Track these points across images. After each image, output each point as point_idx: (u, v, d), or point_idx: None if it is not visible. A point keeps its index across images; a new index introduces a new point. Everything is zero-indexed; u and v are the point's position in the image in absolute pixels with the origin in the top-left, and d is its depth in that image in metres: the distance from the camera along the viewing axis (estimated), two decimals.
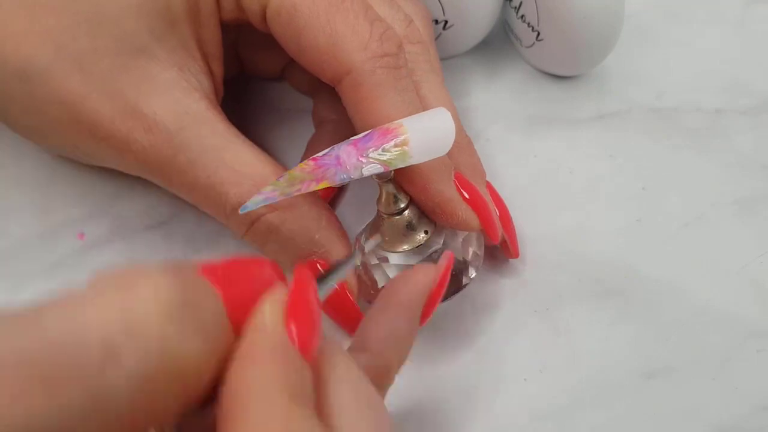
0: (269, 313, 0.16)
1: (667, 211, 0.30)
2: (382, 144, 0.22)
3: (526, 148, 0.32)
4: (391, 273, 0.25)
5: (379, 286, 0.25)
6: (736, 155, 0.32)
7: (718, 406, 0.26)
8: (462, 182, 0.25)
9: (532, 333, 0.28)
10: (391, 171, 0.23)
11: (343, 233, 0.26)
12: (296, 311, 0.17)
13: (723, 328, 0.28)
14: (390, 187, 0.24)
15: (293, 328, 0.16)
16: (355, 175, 0.22)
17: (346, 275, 0.24)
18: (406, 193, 0.25)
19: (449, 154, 0.25)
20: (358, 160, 0.22)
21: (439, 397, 0.27)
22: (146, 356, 0.14)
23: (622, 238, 0.29)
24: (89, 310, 0.14)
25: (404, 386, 0.27)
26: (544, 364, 0.27)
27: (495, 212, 0.26)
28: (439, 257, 0.25)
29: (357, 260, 0.25)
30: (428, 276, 0.22)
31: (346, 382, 0.17)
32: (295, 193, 0.22)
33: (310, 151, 0.30)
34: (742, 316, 0.28)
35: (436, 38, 0.32)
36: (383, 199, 0.25)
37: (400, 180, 0.24)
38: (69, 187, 0.30)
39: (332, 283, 0.21)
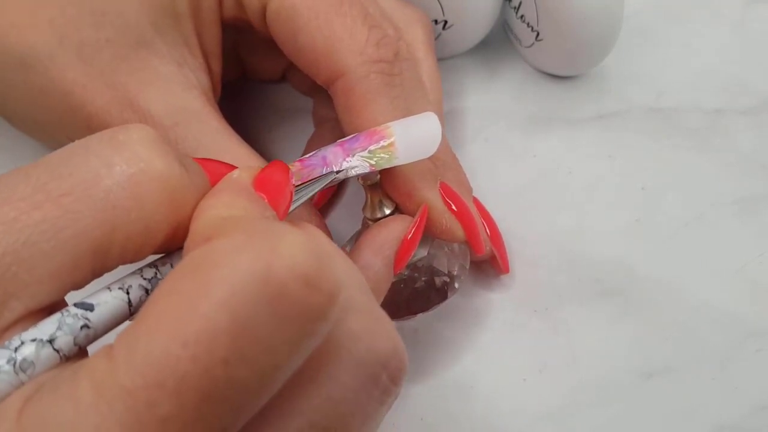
0: (239, 171, 0.19)
1: (667, 211, 0.30)
2: (369, 145, 0.22)
3: (525, 148, 0.32)
4: None
5: None
6: (736, 155, 0.32)
7: (718, 406, 0.26)
8: (448, 193, 0.25)
9: (532, 333, 0.28)
10: (377, 173, 0.23)
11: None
12: (266, 181, 0.18)
13: (722, 328, 0.28)
14: (376, 193, 0.24)
15: (262, 194, 0.18)
16: (341, 175, 0.22)
17: (322, 188, 0.24)
18: (392, 200, 0.25)
19: (435, 168, 0.25)
20: (345, 160, 0.22)
21: (439, 396, 0.27)
22: (135, 165, 0.16)
23: (622, 238, 0.29)
24: (88, 141, 0.17)
25: (404, 386, 0.27)
26: (543, 364, 0.27)
27: (481, 225, 0.26)
28: (423, 266, 0.25)
29: (333, 177, 0.24)
30: (403, 224, 0.23)
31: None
32: None
33: (310, 150, 0.30)
34: (742, 316, 0.28)
35: (436, 38, 0.32)
36: (368, 205, 0.25)
37: (385, 186, 0.24)
38: None
39: (309, 192, 0.22)
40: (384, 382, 0.18)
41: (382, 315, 0.18)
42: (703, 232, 0.30)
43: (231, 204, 0.17)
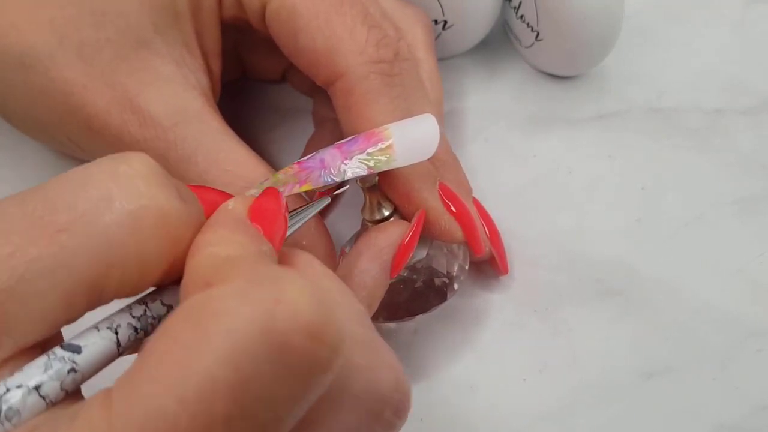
0: (234, 201, 0.18)
1: (667, 211, 0.30)
2: (367, 147, 0.22)
3: (525, 148, 0.32)
4: None
5: None
6: (736, 155, 0.32)
7: (718, 406, 0.26)
8: (447, 194, 0.25)
9: (532, 333, 0.28)
10: (375, 175, 0.23)
11: (329, 241, 0.26)
12: (260, 211, 0.18)
13: (723, 328, 0.28)
14: (374, 195, 0.24)
15: (257, 225, 0.18)
16: (338, 178, 0.22)
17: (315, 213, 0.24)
18: (390, 201, 0.25)
19: (435, 168, 0.25)
20: (343, 162, 0.22)
21: (439, 397, 0.27)
22: (135, 201, 0.16)
23: (622, 238, 0.29)
24: (87, 170, 0.16)
25: None
26: (544, 364, 0.27)
27: (480, 226, 0.26)
28: (422, 267, 0.25)
29: (326, 202, 0.24)
30: (400, 228, 0.23)
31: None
32: None
33: (310, 150, 0.30)
34: (742, 316, 0.28)
35: (436, 38, 0.32)
36: (367, 207, 0.25)
37: (384, 187, 0.24)
38: None
39: (303, 218, 0.22)
40: (387, 416, 0.17)
41: (383, 346, 0.18)
42: (703, 232, 0.30)
43: (228, 239, 0.17)
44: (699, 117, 0.33)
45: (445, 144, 0.27)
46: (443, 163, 0.26)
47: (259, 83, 0.33)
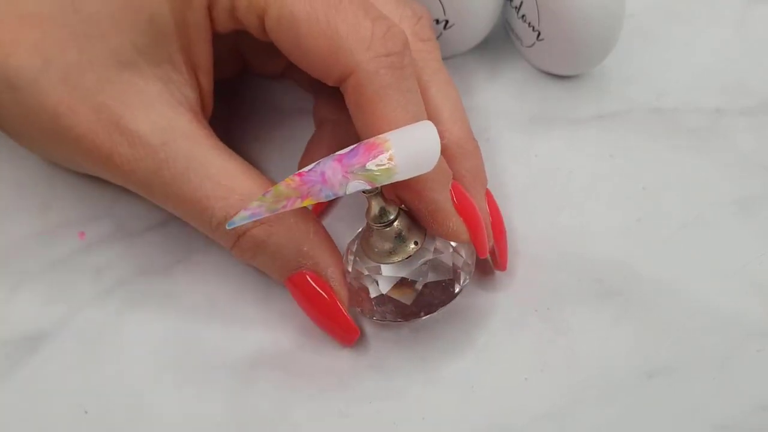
0: None
1: (667, 211, 0.30)
2: (367, 160, 0.22)
3: (526, 148, 0.32)
4: (382, 283, 0.25)
5: (371, 296, 0.25)
6: (736, 155, 0.32)
7: (718, 406, 0.26)
8: (458, 193, 0.25)
9: (532, 333, 0.28)
10: (378, 186, 0.23)
11: (331, 243, 0.26)
12: None
13: (723, 328, 0.28)
14: (378, 200, 0.24)
15: None
16: (340, 192, 0.22)
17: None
18: (395, 204, 0.25)
19: (453, 158, 0.24)
20: (343, 177, 0.22)
21: (440, 396, 0.27)
22: None
23: (622, 238, 0.29)
24: None
25: (404, 386, 0.27)
26: (544, 363, 0.27)
27: (487, 226, 0.26)
28: (428, 268, 0.25)
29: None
30: None
31: None
32: (281, 210, 0.22)
33: (310, 151, 0.30)
34: (742, 316, 0.28)
35: (437, 38, 0.32)
36: (372, 212, 0.24)
37: (396, 184, 0.24)
38: (69, 188, 0.30)
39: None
40: None
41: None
42: (703, 232, 0.30)
43: None
44: (699, 117, 0.33)
45: (467, 132, 0.26)
46: (464, 151, 0.26)
47: (260, 83, 0.33)
